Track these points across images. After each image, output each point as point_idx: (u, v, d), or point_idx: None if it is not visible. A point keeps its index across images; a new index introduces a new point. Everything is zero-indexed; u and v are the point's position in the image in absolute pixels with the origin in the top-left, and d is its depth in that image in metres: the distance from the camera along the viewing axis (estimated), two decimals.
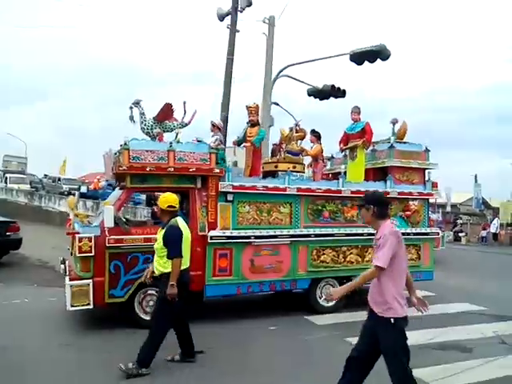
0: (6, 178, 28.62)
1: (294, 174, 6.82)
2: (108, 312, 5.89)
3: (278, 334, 5.69)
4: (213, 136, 6.94)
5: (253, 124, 6.78)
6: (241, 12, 13.32)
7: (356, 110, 7.16)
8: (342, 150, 7.54)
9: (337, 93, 12.69)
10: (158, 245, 4.33)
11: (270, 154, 7.66)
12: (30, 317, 5.95)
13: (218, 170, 5.86)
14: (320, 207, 6.53)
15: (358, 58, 11.90)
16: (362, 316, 6.28)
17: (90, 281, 5.24)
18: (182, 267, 4.28)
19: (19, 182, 27.91)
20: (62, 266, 5.72)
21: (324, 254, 6.47)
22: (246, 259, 6.01)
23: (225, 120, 12.67)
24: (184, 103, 6.55)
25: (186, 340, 4.52)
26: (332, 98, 12.80)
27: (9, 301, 6.53)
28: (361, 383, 3.30)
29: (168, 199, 4.45)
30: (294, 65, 13.19)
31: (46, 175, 30.78)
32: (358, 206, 3.71)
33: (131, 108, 6.21)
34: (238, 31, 13.35)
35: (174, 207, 4.46)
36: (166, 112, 6.22)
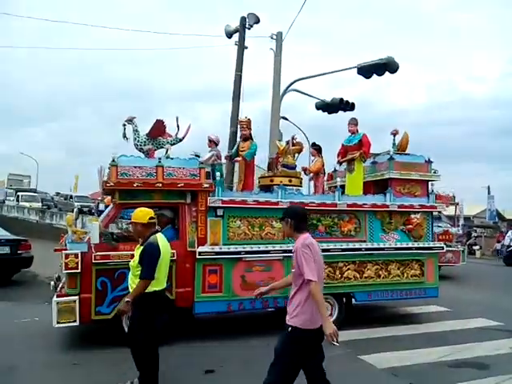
0: (18, 196, 29.15)
1: (290, 188, 6.71)
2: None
3: None
4: (210, 151, 6.93)
5: (245, 138, 6.73)
6: (249, 29, 13.48)
7: (353, 122, 7.01)
8: (339, 163, 7.39)
9: (345, 106, 12.58)
10: (134, 262, 4.06)
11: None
12: (40, 335, 5.92)
13: (207, 185, 5.81)
14: (315, 221, 6.37)
15: (366, 71, 11.83)
16: (373, 333, 6.35)
17: (77, 297, 5.22)
18: (158, 288, 4.06)
19: (31, 200, 28.42)
20: (52, 282, 5.74)
21: None
22: (236, 275, 5.89)
23: (233, 135, 12.71)
24: (177, 118, 6.59)
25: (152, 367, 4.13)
26: (341, 112, 12.69)
27: (19, 319, 6.56)
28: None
29: (147, 212, 4.21)
30: (302, 79, 13.22)
31: (57, 193, 31.39)
32: (279, 219, 3.70)
33: (124, 125, 6.27)
34: (246, 48, 13.49)
35: (154, 218, 4.29)
36: (158, 128, 6.26)
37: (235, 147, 6.87)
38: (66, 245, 5.56)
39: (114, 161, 5.51)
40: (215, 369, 4.77)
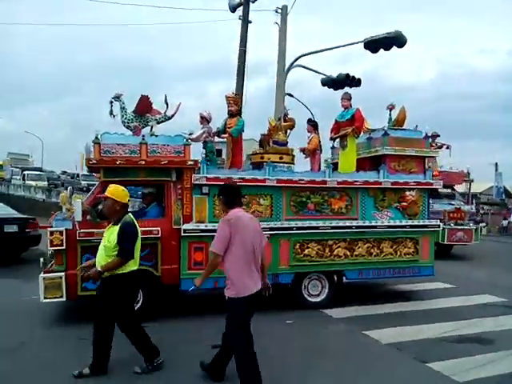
0: (24, 175, 29.42)
1: (281, 165, 6.60)
2: None
3: (294, 327, 5.63)
4: (202, 128, 6.85)
5: (232, 114, 6.60)
6: (253, 2, 13.15)
7: (346, 97, 6.79)
8: (332, 139, 7.21)
9: (352, 82, 12.21)
10: (110, 243, 3.88)
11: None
12: (47, 312, 6.01)
13: (191, 163, 5.75)
14: (304, 199, 6.26)
15: (373, 45, 11.45)
16: (377, 309, 6.37)
17: (63, 274, 5.31)
18: (135, 267, 4.00)
19: (37, 179, 28.66)
20: (42, 259, 5.85)
21: (308, 247, 6.21)
22: None
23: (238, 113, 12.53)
24: (165, 96, 6.49)
25: (105, 349, 4.04)
26: (347, 88, 12.33)
27: (29, 296, 6.69)
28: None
29: (126, 192, 4.06)
30: (307, 54, 12.87)
31: (64, 172, 31.63)
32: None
33: (111, 102, 6.20)
34: (250, 22, 13.20)
35: (129, 200, 4.17)
36: (144, 104, 6.17)
37: (222, 123, 6.75)
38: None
39: (97, 138, 5.50)
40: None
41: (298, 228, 6.15)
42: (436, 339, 5.19)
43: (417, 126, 6.91)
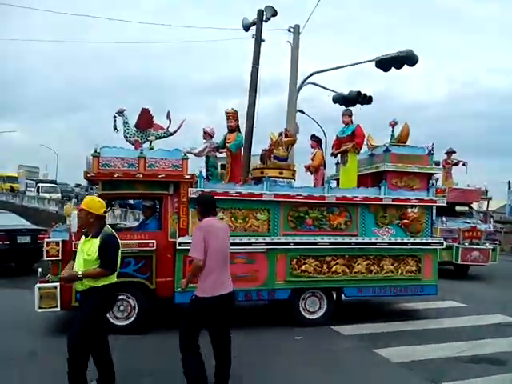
0: (38, 187, 30.53)
1: (281, 180, 6.60)
2: None
3: (303, 343, 5.57)
4: (204, 143, 6.94)
5: (231, 130, 6.67)
6: (266, 22, 13.36)
7: (347, 113, 6.79)
8: (333, 155, 7.18)
9: (363, 99, 12.18)
10: (90, 256, 3.71)
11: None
12: (59, 322, 6.06)
13: (188, 177, 5.81)
14: (302, 214, 6.21)
15: (385, 64, 11.49)
16: (388, 327, 6.29)
17: (57, 284, 5.38)
18: (115, 280, 3.87)
19: (50, 191, 29.70)
20: (40, 269, 5.95)
21: (306, 263, 6.13)
22: None
23: (250, 130, 12.67)
24: (168, 112, 6.64)
25: (106, 363, 4.00)
26: (358, 105, 12.32)
27: None
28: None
29: (102, 204, 3.92)
30: (319, 72, 12.94)
31: (78, 184, 32.42)
32: None
33: (115, 117, 6.39)
34: (263, 41, 13.37)
35: (107, 212, 4.11)
36: (146, 119, 6.32)
37: (222, 139, 6.82)
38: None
39: (96, 151, 5.63)
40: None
41: (296, 243, 6.10)
42: (448, 359, 5.06)
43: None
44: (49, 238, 5.54)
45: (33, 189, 32.18)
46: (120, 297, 5.65)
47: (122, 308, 5.70)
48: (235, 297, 4.13)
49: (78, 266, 3.79)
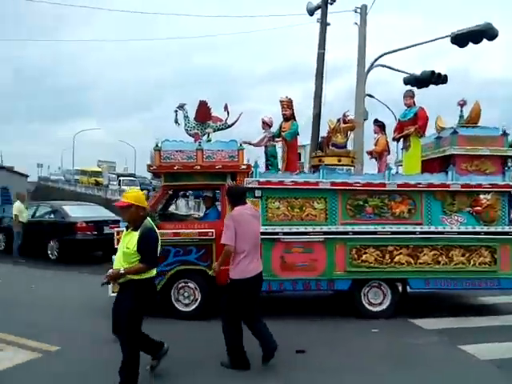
0: (120, 180, 33.32)
1: (340, 167, 6.46)
2: None
3: (380, 337, 5.41)
4: (263, 133, 7.00)
5: (286, 118, 6.61)
6: (331, 4, 13.01)
7: (409, 94, 6.41)
8: (394, 140, 6.82)
9: (437, 79, 11.40)
10: (128, 249, 3.65)
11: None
12: None
13: (244, 167, 5.90)
14: (361, 202, 6.02)
15: (461, 39, 10.68)
16: (472, 322, 6.04)
17: None
18: (150, 275, 3.79)
19: (130, 184, 31.95)
20: (113, 256, 6.42)
21: (366, 253, 5.95)
22: (275, 256, 5.89)
23: (317, 117, 12.51)
24: (226, 105, 6.76)
25: (151, 343, 4.04)
26: (432, 86, 11.54)
27: None
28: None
29: (144, 195, 3.90)
30: (389, 53, 12.36)
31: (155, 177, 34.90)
32: None
33: (176, 112, 6.67)
34: (329, 24, 13.05)
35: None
36: (203, 111, 6.50)
37: (277, 128, 6.80)
38: None
39: (157, 146, 5.94)
40: (306, 349, 4.74)
41: (355, 232, 5.94)
42: (499, 360, 4.63)
43: None
44: (118, 227, 5.96)
45: (114, 182, 35.34)
46: (184, 284, 5.97)
47: (186, 294, 5.99)
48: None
49: (118, 260, 3.78)
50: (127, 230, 3.79)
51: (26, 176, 29.93)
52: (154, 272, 3.83)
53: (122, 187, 30.70)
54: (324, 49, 13.22)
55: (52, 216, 11.79)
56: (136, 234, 3.65)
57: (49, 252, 11.29)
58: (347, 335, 5.43)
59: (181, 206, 20.89)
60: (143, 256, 3.64)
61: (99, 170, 42.38)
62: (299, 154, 14.30)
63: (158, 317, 5.57)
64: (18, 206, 11.42)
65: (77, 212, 11.75)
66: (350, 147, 7.17)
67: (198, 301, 5.99)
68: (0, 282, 8.50)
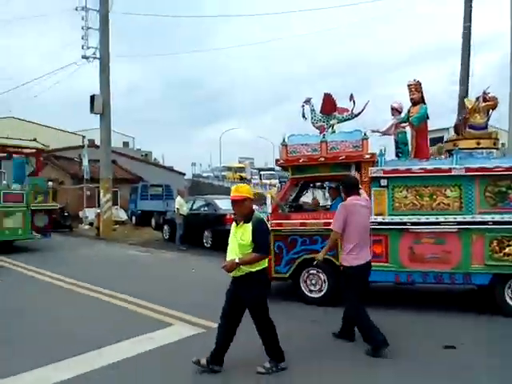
0: (261, 174, 36.78)
1: (479, 151, 5.91)
2: None
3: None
4: (392, 120, 6.81)
5: (414, 103, 6.25)
6: None
7: None
8: None
9: None
10: (244, 241, 3.78)
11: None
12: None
13: (368, 156, 5.85)
14: (504, 189, 5.44)
15: None
16: None
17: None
18: (264, 266, 3.91)
19: (270, 177, 34.79)
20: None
21: (510, 245, 5.36)
22: (404, 247, 5.72)
23: (463, 95, 11.66)
24: (351, 95, 6.75)
25: (225, 343, 3.97)
26: None
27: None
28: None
29: (252, 190, 4.02)
30: None
31: None
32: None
33: (303, 106, 6.91)
34: None
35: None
36: (328, 103, 6.59)
37: (406, 112, 6.49)
38: None
39: (284, 141, 6.28)
40: (456, 345, 4.57)
41: (496, 223, 5.40)
42: None
43: None
44: None
45: (256, 176, 39.19)
46: (312, 272, 6.22)
47: (313, 282, 6.23)
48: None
49: (234, 252, 3.88)
50: (237, 224, 3.91)
51: (183, 174, 34.24)
52: (266, 263, 3.95)
53: (263, 181, 33.88)
54: (470, 21, 12.34)
55: (206, 209, 13.31)
56: (249, 226, 3.78)
57: (204, 241, 12.74)
58: (491, 335, 4.97)
59: (318, 198, 21.39)
60: (258, 246, 3.77)
61: (242, 166, 46.51)
62: (442, 137, 13.27)
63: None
64: (179, 200, 13.07)
65: (226, 205, 12.94)
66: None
67: (326, 288, 6.16)
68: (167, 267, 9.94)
